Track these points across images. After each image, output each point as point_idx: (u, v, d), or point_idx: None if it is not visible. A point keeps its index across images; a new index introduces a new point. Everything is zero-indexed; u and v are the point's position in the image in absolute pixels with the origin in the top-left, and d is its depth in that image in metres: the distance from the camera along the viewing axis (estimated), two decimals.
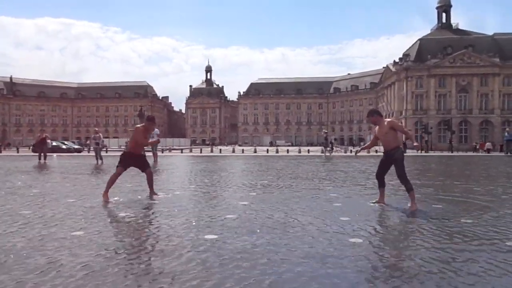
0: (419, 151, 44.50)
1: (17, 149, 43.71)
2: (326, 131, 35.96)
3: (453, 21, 70.56)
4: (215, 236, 3.92)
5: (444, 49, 62.31)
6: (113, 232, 4.34)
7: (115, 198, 6.24)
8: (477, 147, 48.06)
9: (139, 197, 6.49)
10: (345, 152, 41.62)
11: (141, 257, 3.28)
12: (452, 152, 42.83)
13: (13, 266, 2.98)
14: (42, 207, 5.69)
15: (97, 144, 18.50)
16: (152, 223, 4.66)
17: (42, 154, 19.25)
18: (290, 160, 21.03)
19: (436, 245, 3.63)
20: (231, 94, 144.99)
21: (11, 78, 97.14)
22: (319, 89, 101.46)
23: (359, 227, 4.36)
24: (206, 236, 3.93)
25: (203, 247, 3.54)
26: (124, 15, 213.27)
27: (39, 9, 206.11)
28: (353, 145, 74.65)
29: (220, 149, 45.04)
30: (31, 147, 37.88)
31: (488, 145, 48.26)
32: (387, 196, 6.04)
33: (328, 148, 28.51)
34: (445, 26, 69.26)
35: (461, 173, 13.67)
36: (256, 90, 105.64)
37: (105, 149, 33.71)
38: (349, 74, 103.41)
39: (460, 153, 41.27)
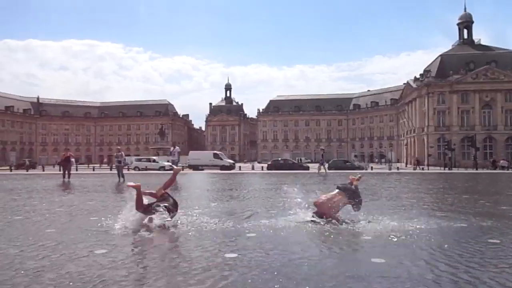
0: (444, 168, 43.52)
1: (43, 167, 44.94)
2: (323, 148, 35.87)
3: (475, 37, 69.45)
4: (235, 255, 3.92)
5: (466, 64, 61.37)
6: (131, 252, 4.37)
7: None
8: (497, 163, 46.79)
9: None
10: (365, 169, 41.12)
11: (158, 277, 3.30)
12: (477, 169, 41.70)
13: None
14: (66, 226, 5.81)
15: (119, 162, 18.82)
16: (173, 242, 4.68)
17: (66, 172, 19.67)
18: (311, 177, 20.87)
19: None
20: (251, 111, 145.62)
21: (38, 98, 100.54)
22: (338, 105, 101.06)
23: (381, 247, 4.28)
24: (226, 255, 3.93)
25: (223, 266, 3.54)
26: (146, 36, 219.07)
27: (65, 31, 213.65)
28: (374, 162, 73.69)
29: (240, 166, 45.16)
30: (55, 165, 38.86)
31: (502, 162, 46.97)
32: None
33: (322, 166, 27.96)
34: (466, 42, 68.33)
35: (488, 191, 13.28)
36: (275, 107, 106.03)
37: (127, 167, 34.23)
38: (368, 90, 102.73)
39: (485, 170, 40.11)
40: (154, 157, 44.74)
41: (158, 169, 37.10)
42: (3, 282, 3.09)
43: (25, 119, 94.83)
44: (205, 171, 36.28)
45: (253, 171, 35.67)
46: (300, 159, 79.70)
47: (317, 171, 27.83)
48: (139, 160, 43.97)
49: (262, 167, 45.44)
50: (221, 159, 43.26)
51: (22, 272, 3.35)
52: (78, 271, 3.37)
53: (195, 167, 40.30)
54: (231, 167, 41.11)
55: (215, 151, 51.69)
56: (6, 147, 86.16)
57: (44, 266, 3.53)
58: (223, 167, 39.69)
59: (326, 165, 29.13)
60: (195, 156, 45.03)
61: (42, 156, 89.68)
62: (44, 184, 16.31)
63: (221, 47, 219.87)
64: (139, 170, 37.80)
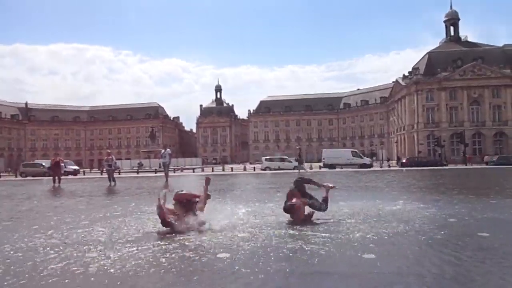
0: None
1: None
2: (299, 147, 35.79)
3: (462, 34, 70.54)
4: (228, 255, 3.91)
5: (454, 61, 62.11)
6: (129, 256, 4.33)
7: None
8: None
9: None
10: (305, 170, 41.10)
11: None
12: (466, 165, 42.15)
13: None
14: (62, 232, 5.74)
15: (110, 166, 18.63)
16: (165, 241, 4.65)
17: (56, 177, 19.44)
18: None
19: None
20: (242, 112, 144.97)
21: (26, 103, 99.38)
22: (328, 105, 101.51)
23: (370, 239, 4.29)
24: (219, 255, 3.92)
25: (216, 266, 3.53)
26: (135, 38, 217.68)
27: (52, 35, 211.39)
28: None
29: (232, 167, 45.06)
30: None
31: (486, 158, 47.74)
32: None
33: (302, 165, 27.50)
34: (453, 39, 69.24)
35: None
36: (266, 108, 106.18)
37: (118, 171, 33.93)
38: (358, 89, 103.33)
39: (475, 166, 40.58)
40: (285, 156, 43.02)
41: (292, 169, 35.17)
42: None
43: (13, 125, 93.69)
44: (339, 169, 34.71)
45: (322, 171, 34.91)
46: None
47: (299, 171, 27.04)
48: (270, 160, 41.76)
49: (253, 167, 45.31)
50: (361, 157, 41.87)
51: None
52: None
53: (331, 166, 38.42)
54: (371, 165, 39.96)
55: (353, 149, 48.13)
56: None
57: None
58: (363, 166, 38.24)
59: (305, 164, 28.75)
60: (331, 154, 43.10)
61: (32, 162, 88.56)
62: (39, 189, 16.12)
63: (211, 48, 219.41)
64: (271, 170, 35.71)
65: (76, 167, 43.87)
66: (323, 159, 41.99)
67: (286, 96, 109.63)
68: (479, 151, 57.86)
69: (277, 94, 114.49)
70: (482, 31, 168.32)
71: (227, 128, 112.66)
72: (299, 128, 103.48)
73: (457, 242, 4.33)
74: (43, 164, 38.72)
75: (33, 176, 32.25)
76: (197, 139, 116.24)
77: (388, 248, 4.10)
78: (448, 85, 61.30)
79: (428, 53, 67.05)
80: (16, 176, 40.24)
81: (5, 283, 3.19)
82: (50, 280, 3.24)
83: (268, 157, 44.49)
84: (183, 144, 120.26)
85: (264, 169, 37.78)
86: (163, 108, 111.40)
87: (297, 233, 4.93)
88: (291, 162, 39.49)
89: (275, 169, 36.34)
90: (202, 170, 45.55)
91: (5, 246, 4.58)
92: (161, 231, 5.23)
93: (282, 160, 41.35)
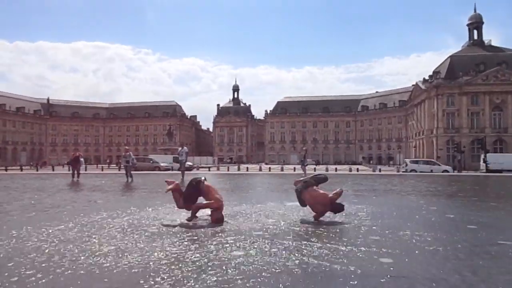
0: (453, 171, 42.97)
1: (53, 167, 45.43)
2: (305, 148, 35.11)
3: (486, 38, 68.76)
4: (242, 253, 3.94)
5: (476, 66, 60.74)
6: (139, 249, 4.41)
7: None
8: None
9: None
10: (374, 171, 40.81)
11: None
12: (487, 172, 41.07)
13: None
14: (75, 222, 5.87)
15: (127, 162, 18.86)
16: (179, 238, 4.71)
17: (75, 172, 19.84)
18: None
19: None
20: (258, 112, 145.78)
21: (48, 99, 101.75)
22: (346, 107, 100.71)
23: (387, 245, 4.26)
24: (233, 253, 3.95)
25: (230, 263, 3.56)
26: (155, 37, 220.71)
27: (75, 33, 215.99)
28: (382, 164, 73.21)
29: (247, 167, 45.15)
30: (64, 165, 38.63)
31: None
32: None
33: (304, 166, 26.62)
34: (476, 43, 67.67)
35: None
36: (283, 109, 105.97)
37: (135, 167, 34.08)
38: (377, 92, 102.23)
39: (496, 174, 39.53)
40: (432, 159, 41.37)
41: (442, 172, 34.12)
42: None
43: (36, 120, 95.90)
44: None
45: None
46: (318, 161, 79.53)
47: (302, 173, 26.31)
48: (416, 162, 40.46)
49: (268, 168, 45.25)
50: None
51: None
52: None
53: (497, 171, 36.32)
54: None
55: None
56: (17, 148, 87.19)
57: None
58: None
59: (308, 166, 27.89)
60: (497, 159, 41.21)
61: (52, 156, 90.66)
62: (56, 183, 16.49)
63: (229, 48, 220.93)
64: (416, 172, 34.19)
65: (190, 163, 40.41)
66: (488, 164, 39.84)
67: (303, 97, 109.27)
68: None
69: (294, 95, 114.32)
70: (506, 36, 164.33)
71: (243, 128, 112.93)
72: (316, 129, 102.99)
73: None
74: (153, 159, 39.35)
75: (142, 171, 30.96)
76: (214, 138, 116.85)
77: None
78: (470, 89, 60.00)
79: (450, 56, 65.78)
80: (37, 170, 41.15)
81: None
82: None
83: (413, 159, 43.09)
84: (200, 142, 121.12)
85: (410, 172, 36.05)
86: (180, 106, 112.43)
87: (317, 233, 4.92)
88: (439, 165, 38.33)
89: (421, 172, 34.63)
90: (218, 169, 45.74)
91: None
92: (180, 224, 5.29)
93: (427, 163, 40.12)
